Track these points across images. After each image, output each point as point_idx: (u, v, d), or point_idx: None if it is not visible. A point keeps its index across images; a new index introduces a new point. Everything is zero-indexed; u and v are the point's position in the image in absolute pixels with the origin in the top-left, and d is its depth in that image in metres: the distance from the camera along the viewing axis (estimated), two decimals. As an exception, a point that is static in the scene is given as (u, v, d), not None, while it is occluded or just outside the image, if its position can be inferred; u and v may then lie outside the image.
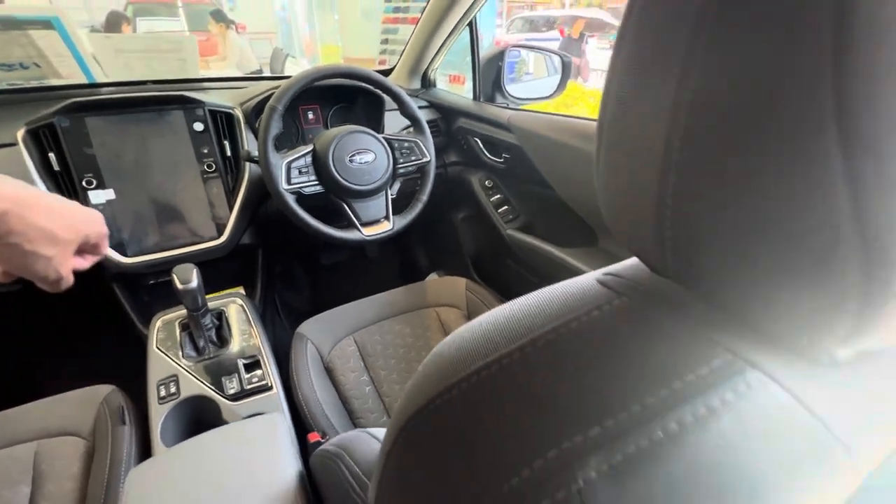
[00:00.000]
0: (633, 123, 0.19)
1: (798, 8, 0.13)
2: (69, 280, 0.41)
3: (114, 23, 3.20)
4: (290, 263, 1.45)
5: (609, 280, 0.21)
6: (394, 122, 1.12)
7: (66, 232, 0.39)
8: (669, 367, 0.16)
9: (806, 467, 0.15)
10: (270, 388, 0.75)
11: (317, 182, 0.87)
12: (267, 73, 3.88)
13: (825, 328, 0.15)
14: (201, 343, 0.80)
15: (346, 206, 0.89)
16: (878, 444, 0.18)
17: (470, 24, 1.10)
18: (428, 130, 1.00)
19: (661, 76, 0.17)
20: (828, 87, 0.13)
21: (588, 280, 0.22)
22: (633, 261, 0.24)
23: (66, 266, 0.40)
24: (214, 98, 0.95)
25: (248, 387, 0.74)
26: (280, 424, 0.57)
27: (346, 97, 1.15)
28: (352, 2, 4.97)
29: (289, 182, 0.84)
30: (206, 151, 0.92)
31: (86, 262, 0.45)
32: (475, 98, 1.21)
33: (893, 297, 0.14)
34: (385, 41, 4.06)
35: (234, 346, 0.81)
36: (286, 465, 0.52)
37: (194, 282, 0.73)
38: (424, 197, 0.99)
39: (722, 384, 0.15)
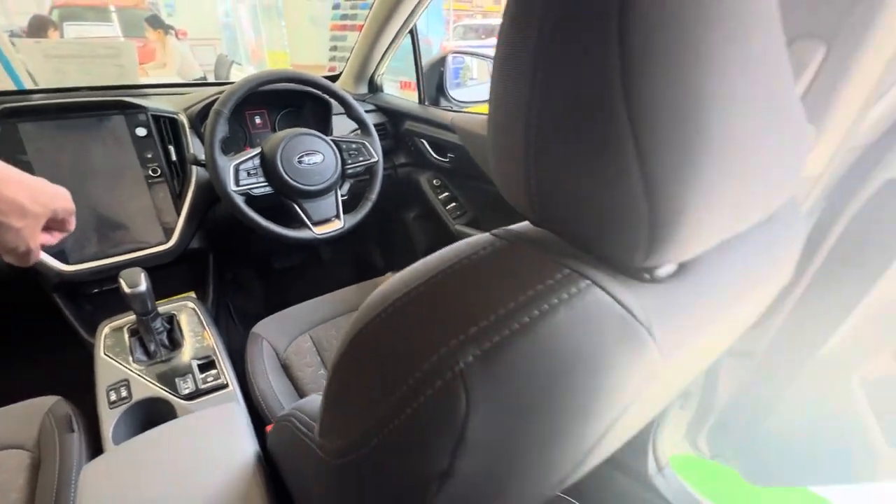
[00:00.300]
0: (507, 110, 0.24)
1: (592, 6, 0.19)
2: (37, 254, 0.43)
3: (38, 27, 3.00)
4: (243, 268, 1.45)
5: (498, 232, 0.27)
6: (343, 125, 1.16)
7: (35, 205, 0.41)
8: (526, 281, 0.22)
9: (618, 345, 0.21)
10: (226, 386, 0.76)
11: (266, 183, 0.89)
12: (212, 80, 3.77)
13: (631, 248, 0.22)
14: (152, 347, 0.79)
15: (296, 206, 0.92)
16: (683, 340, 0.24)
17: (411, 32, 1.16)
18: (374, 132, 1.04)
19: (521, 72, 0.23)
20: (618, 81, 0.19)
21: (485, 234, 0.27)
22: (525, 222, 0.30)
23: (34, 239, 0.42)
24: (157, 103, 0.95)
25: (203, 386, 0.75)
26: (234, 411, 0.60)
27: (294, 102, 1.18)
28: (299, 8, 4.92)
29: (237, 184, 0.86)
30: (150, 156, 0.92)
31: (53, 239, 0.46)
32: (420, 102, 1.27)
33: (669, 224, 0.21)
34: (334, 48, 4.06)
35: (187, 348, 0.81)
36: (243, 447, 0.54)
37: (143, 285, 0.73)
38: (373, 196, 1.03)
39: (560, 289, 0.21)
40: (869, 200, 0.57)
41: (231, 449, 0.54)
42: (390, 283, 0.26)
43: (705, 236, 0.23)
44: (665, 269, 0.25)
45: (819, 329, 0.64)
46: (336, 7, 4.15)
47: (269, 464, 0.54)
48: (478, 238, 0.26)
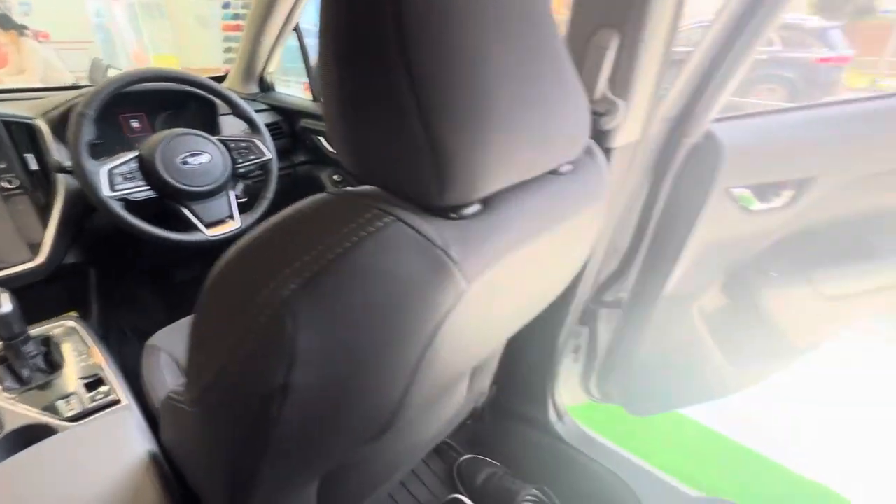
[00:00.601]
0: (328, 95, 0.29)
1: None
2: None
3: None
4: (137, 283, 1.34)
5: (332, 190, 0.31)
6: (235, 127, 1.12)
7: None
8: (344, 221, 0.26)
9: (420, 267, 0.26)
10: (119, 402, 0.72)
11: (147, 187, 0.85)
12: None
13: (425, 190, 0.27)
14: (25, 373, 0.73)
15: (184, 208, 0.89)
16: (486, 266, 0.30)
17: (296, 29, 1.16)
18: (265, 129, 1.03)
19: (329, 61, 0.27)
20: (399, 59, 0.24)
21: (321, 193, 0.31)
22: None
23: None
24: (7, 109, 0.86)
25: (92, 405, 0.70)
26: (122, 417, 0.58)
27: (175, 103, 1.12)
28: (183, 8, 4.57)
29: (112, 188, 0.81)
30: (3, 167, 0.83)
31: None
32: (314, 99, 1.27)
33: (450, 172, 0.26)
34: (228, 49, 3.85)
35: (70, 368, 0.75)
36: (132, 450, 0.53)
37: (6, 306, 0.66)
38: (269, 194, 1.02)
39: (368, 225, 0.26)
40: (683, 162, 0.70)
41: (119, 454, 0.52)
42: (242, 238, 0.30)
43: (489, 180, 0.29)
44: (470, 209, 0.31)
45: (660, 273, 0.77)
46: (226, 6, 3.93)
47: (168, 462, 0.54)
48: (315, 196, 0.30)
